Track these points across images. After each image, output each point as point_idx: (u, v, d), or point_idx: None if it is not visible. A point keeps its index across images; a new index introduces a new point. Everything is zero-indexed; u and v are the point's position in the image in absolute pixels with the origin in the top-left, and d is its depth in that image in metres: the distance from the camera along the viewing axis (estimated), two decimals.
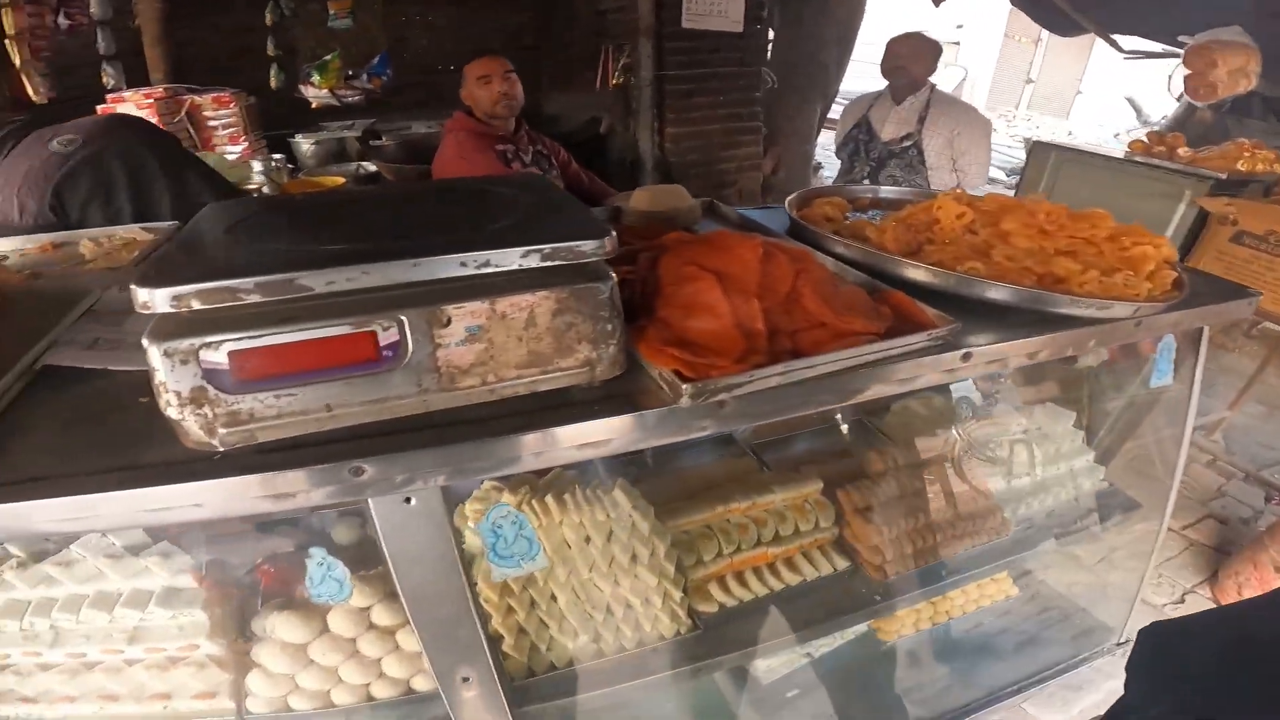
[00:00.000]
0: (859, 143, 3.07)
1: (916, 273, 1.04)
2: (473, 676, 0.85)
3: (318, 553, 0.78)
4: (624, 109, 4.27)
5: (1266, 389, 3.29)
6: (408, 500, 0.72)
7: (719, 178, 4.08)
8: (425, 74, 4.53)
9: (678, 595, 1.12)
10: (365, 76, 3.43)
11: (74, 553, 0.89)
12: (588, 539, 1.06)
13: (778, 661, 1.55)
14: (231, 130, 3.26)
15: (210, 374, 0.59)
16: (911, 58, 2.82)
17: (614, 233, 0.69)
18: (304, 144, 3.27)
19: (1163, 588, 2.24)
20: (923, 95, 2.86)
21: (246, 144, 3.26)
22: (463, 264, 0.64)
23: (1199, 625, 0.82)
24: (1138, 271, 1.07)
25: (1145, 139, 2.61)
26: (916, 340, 0.86)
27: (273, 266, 0.60)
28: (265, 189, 2.82)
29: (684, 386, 0.71)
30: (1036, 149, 3.05)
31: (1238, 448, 2.95)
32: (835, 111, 4.86)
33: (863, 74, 4.85)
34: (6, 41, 2.61)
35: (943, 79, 3.21)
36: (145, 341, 0.58)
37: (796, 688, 1.61)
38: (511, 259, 0.65)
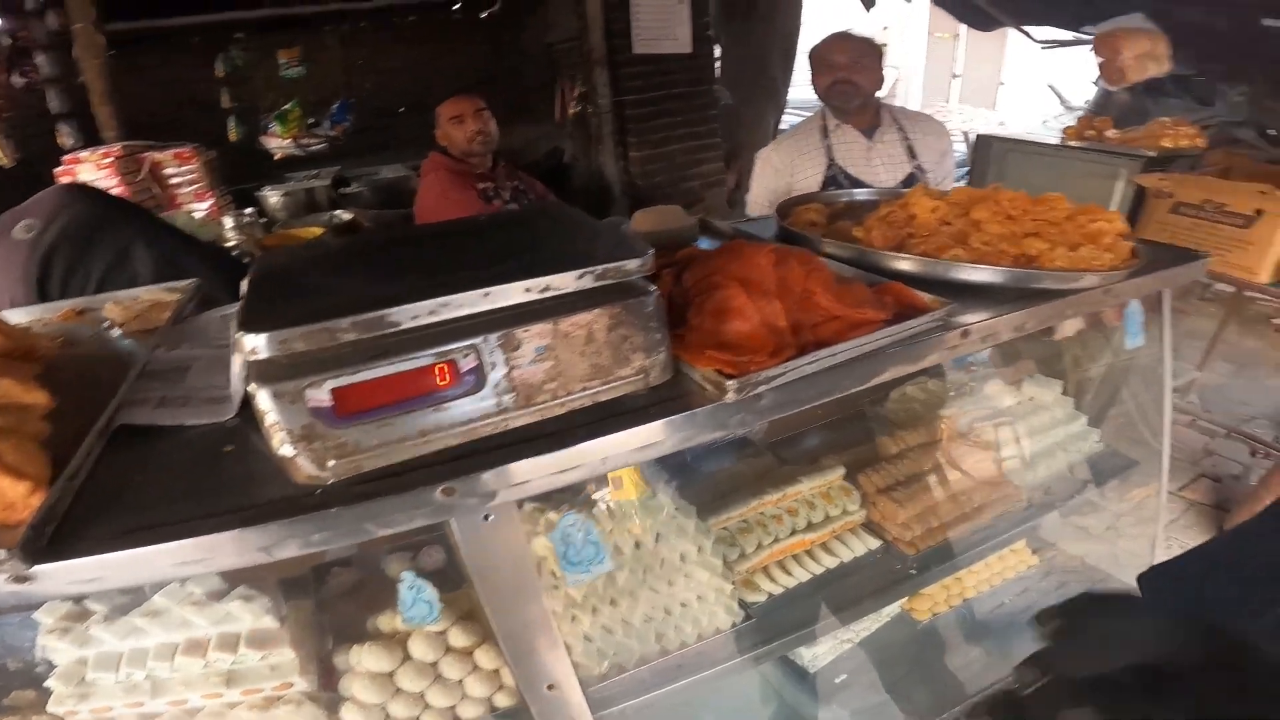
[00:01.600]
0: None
1: (907, 264, 1.15)
2: (558, 683, 0.90)
3: (409, 576, 0.83)
4: (585, 138, 4.38)
5: (1230, 347, 3.52)
6: (486, 517, 0.77)
7: (686, 196, 4.21)
8: (381, 117, 4.59)
9: (728, 588, 1.19)
10: (328, 124, 3.47)
11: (158, 603, 0.92)
12: (637, 544, 1.12)
13: (823, 649, 1.62)
14: (196, 187, 3.19)
15: (317, 411, 0.64)
16: (856, 68, 2.12)
17: (652, 251, 0.77)
18: (272, 196, 3.28)
19: (1173, 550, 2.33)
20: (888, 121, 2.22)
21: (213, 200, 3.23)
22: (527, 289, 0.71)
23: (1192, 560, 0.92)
24: (1097, 245, 1.19)
25: (1076, 125, 2.80)
26: (921, 322, 0.96)
27: (362, 306, 0.66)
28: (242, 245, 2.82)
29: (729, 383, 0.78)
30: (980, 142, 3.24)
31: (1214, 406, 3.13)
32: (787, 122, 5.07)
33: (801, 84, 5.09)
34: None
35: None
36: (253, 387, 0.64)
37: (844, 673, 1.68)
38: (569, 281, 0.72)
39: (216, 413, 0.86)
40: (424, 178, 2.57)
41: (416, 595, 0.83)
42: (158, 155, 3.15)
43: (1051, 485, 1.51)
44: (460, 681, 0.98)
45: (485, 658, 0.99)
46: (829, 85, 2.15)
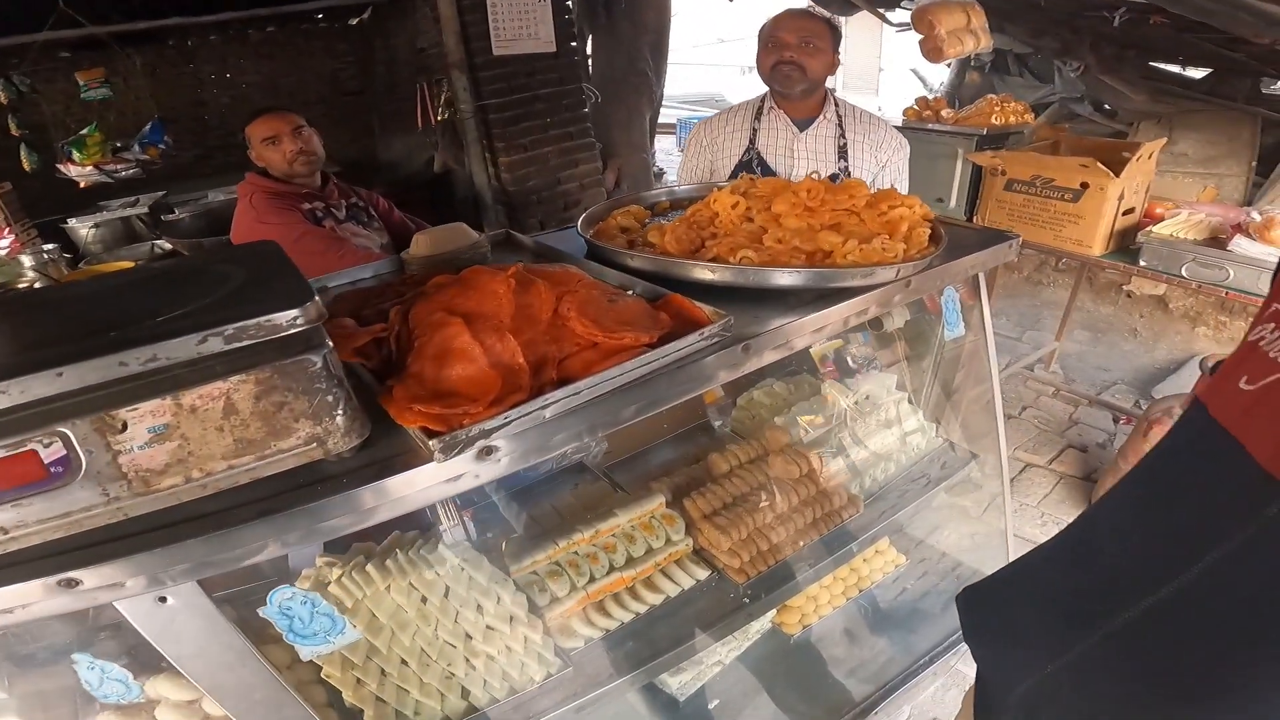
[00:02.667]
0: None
1: (699, 271, 1.06)
2: None
3: (83, 658, 0.70)
4: (455, 144, 4.18)
5: (1085, 315, 3.69)
6: (162, 599, 0.63)
7: (563, 199, 4.07)
8: (230, 135, 4.21)
9: (538, 638, 1.07)
10: (138, 147, 3.11)
11: None
12: (424, 599, 0.99)
13: (687, 677, 1.52)
14: None
15: None
16: (805, 49, 1.84)
17: (316, 299, 0.63)
18: (81, 228, 2.93)
19: (1047, 526, 2.37)
20: (830, 114, 1.97)
21: (13, 236, 2.86)
22: (122, 363, 0.56)
23: (1003, 582, 0.86)
24: (894, 234, 1.14)
25: (915, 105, 2.86)
26: (688, 342, 0.86)
27: None
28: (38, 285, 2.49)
29: (432, 442, 0.66)
30: None
31: (1076, 374, 3.22)
32: (666, 116, 5.02)
33: (675, 78, 5.06)
34: None
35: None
36: None
37: (717, 698, 1.59)
38: (186, 349, 0.58)
39: None
40: (239, 202, 2.31)
41: (103, 674, 0.69)
42: None
43: (895, 487, 1.47)
44: None
45: None
46: (772, 65, 1.88)
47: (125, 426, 0.56)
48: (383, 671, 0.98)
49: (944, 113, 2.69)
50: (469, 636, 1.04)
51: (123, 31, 3.19)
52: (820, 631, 1.70)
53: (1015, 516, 2.00)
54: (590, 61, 4.65)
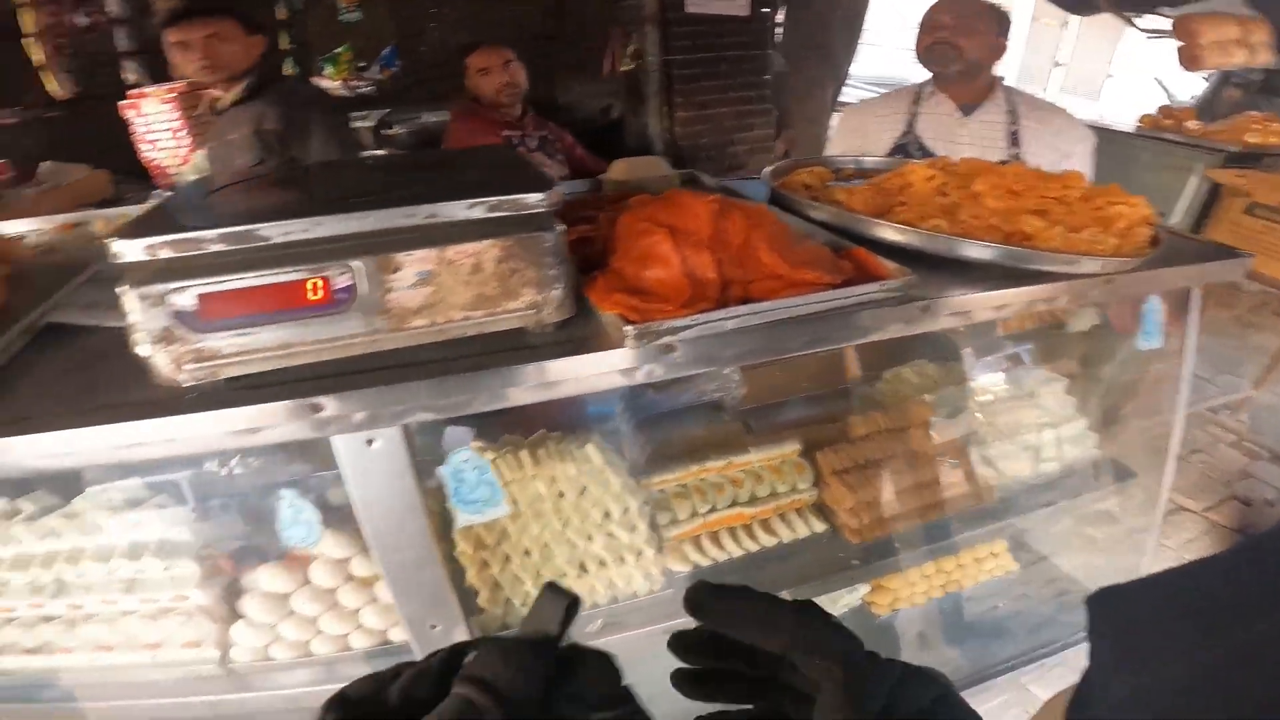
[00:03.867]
0: None
1: (883, 231, 1.06)
2: (441, 625, 0.89)
3: (288, 494, 0.83)
4: (634, 95, 4.29)
5: None
6: (370, 442, 0.76)
7: (731, 160, 4.08)
8: (437, 66, 4.62)
9: (650, 553, 1.15)
10: (377, 68, 3.52)
11: (77, 506, 0.95)
12: (561, 494, 1.10)
13: None
14: None
15: (179, 315, 0.64)
16: (962, 30, 1.83)
17: (557, 186, 0.72)
18: None
19: None
20: (998, 100, 1.89)
21: None
22: (409, 215, 0.68)
23: (1144, 585, 0.82)
24: (1107, 229, 1.07)
25: (1156, 113, 2.55)
26: (869, 290, 0.88)
27: (235, 220, 0.65)
28: None
29: (627, 328, 0.74)
30: None
31: (1265, 428, 2.86)
32: (847, 95, 4.82)
33: (860, 58, 4.82)
34: (27, 40, 2.70)
35: None
36: (119, 287, 0.64)
37: None
38: (458, 211, 0.69)
39: None
40: (452, 123, 2.58)
41: (296, 515, 0.83)
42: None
43: (1035, 490, 1.40)
44: (356, 611, 0.99)
45: (386, 591, 0.98)
46: (928, 46, 1.88)
47: (399, 268, 0.69)
48: (506, 558, 1.07)
49: (1189, 124, 2.38)
50: (589, 538, 1.13)
51: None
52: (904, 619, 1.67)
53: (1152, 554, 1.84)
54: (783, 30, 4.56)
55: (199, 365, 0.65)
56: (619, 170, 1.27)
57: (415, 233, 0.69)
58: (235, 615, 0.99)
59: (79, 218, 1.36)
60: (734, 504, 1.21)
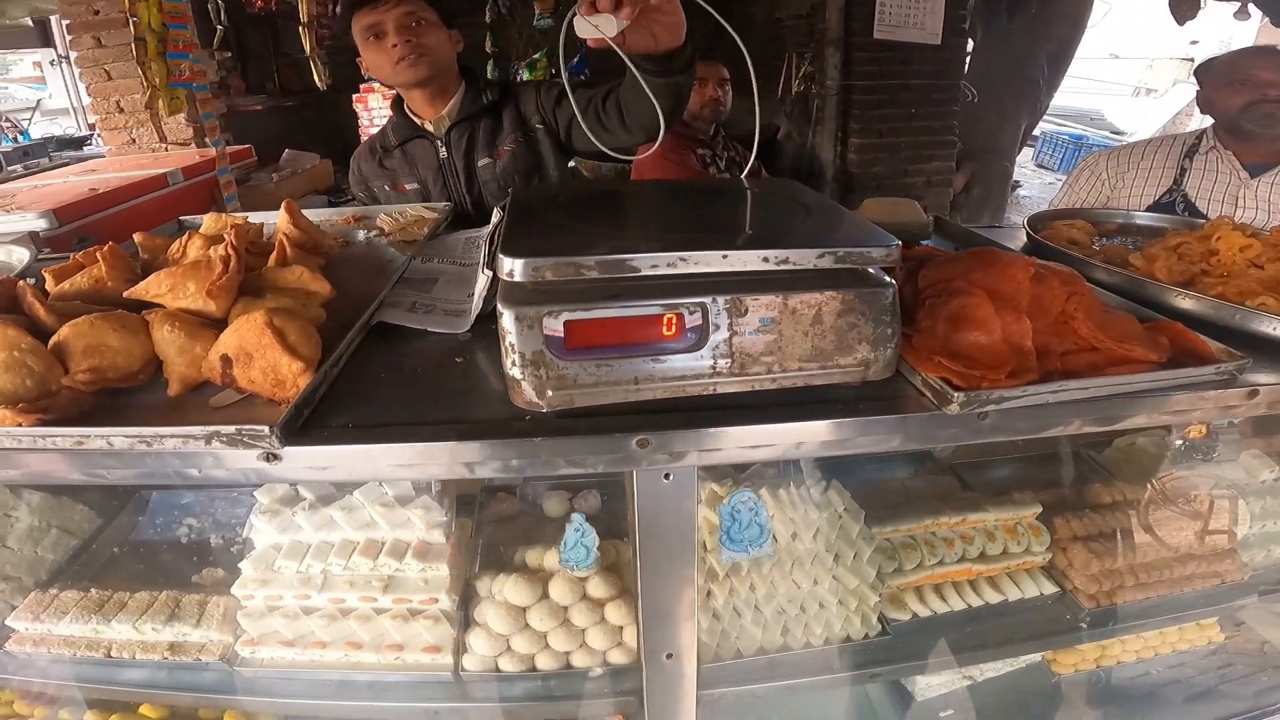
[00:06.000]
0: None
1: (1193, 304, 0.97)
2: (678, 653, 0.90)
3: (578, 519, 0.87)
4: (804, 117, 4.24)
5: None
6: (667, 476, 0.78)
7: (904, 191, 3.93)
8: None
9: (873, 599, 1.12)
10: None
11: (354, 499, 1.00)
12: (794, 535, 1.09)
13: (938, 680, 1.50)
14: None
15: (549, 340, 0.69)
16: None
17: (899, 243, 0.71)
18: None
19: None
20: None
21: None
22: (765, 259, 0.70)
23: None
24: None
25: None
26: (1201, 373, 0.81)
27: (609, 248, 0.69)
28: None
29: (955, 394, 0.72)
30: None
31: None
32: (1042, 129, 4.50)
33: (1072, 89, 4.45)
34: (301, 29, 2.94)
35: (1181, 96, 2.53)
36: (502, 306, 0.70)
37: (951, 708, 1.55)
38: (808, 258, 0.70)
39: (455, 325, 0.96)
40: None
41: (579, 539, 0.87)
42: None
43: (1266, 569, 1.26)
44: (584, 630, 0.99)
45: (615, 613, 0.99)
46: (1246, 104, 1.74)
47: (746, 311, 0.71)
48: (731, 590, 1.06)
49: None
50: (817, 580, 1.11)
51: None
52: (1074, 684, 1.53)
53: None
54: (970, 58, 4.33)
55: (559, 392, 0.70)
56: (871, 210, 1.25)
57: (766, 277, 0.71)
58: (471, 623, 1.02)
59: (361, 211, 1.52)
60: (963, 559, 1.16)
